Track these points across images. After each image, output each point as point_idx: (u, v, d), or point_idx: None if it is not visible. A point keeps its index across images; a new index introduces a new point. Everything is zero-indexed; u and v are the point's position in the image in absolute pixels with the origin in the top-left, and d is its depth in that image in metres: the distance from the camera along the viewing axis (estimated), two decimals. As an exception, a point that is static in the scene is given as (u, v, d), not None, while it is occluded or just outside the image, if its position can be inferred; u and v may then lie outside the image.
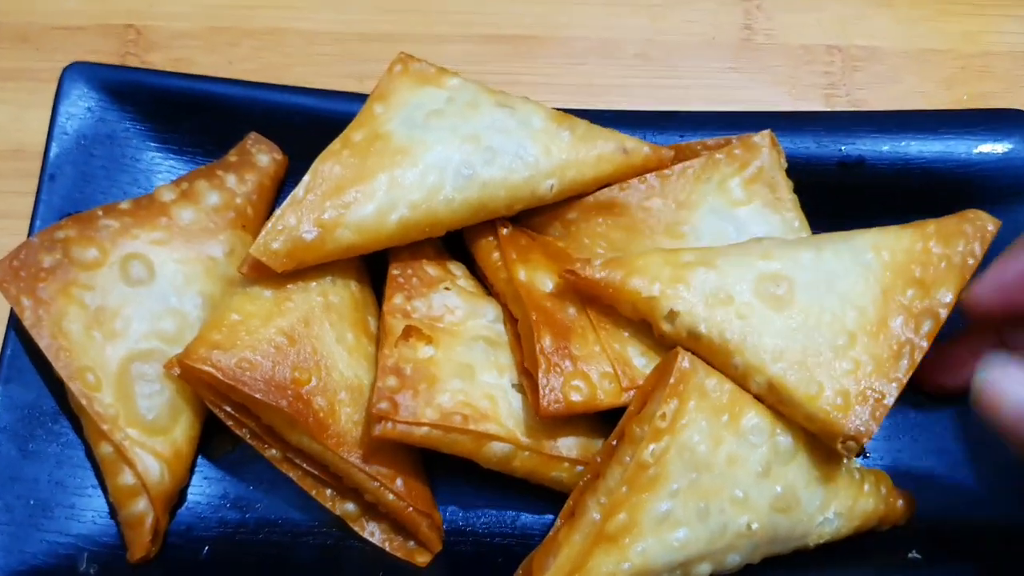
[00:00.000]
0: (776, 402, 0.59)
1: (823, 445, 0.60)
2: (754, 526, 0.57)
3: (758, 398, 0.59)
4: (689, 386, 0.56)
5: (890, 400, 0.58)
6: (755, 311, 0.59)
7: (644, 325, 0.63)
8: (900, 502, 0.63)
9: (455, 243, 0.71)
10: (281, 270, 0.62)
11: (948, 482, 0.66)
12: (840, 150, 0.71)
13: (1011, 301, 0.60)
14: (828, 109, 0.81)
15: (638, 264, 0.61)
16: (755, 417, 0.58)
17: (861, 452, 0.58)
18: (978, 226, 0.64)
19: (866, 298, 0.60)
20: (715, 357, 0.59)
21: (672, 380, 0.56)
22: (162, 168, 0.73)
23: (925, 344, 0.60)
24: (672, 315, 0.60)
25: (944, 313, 0.61)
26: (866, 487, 0.61)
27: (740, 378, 0.59)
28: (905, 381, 0.59)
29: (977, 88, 0.80)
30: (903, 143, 0.70)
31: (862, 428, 0.57)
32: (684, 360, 0.56)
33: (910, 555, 0.62)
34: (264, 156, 0.72)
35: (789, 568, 0.60)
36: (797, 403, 0.57)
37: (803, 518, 0.59)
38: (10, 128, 0.81)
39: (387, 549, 0.64)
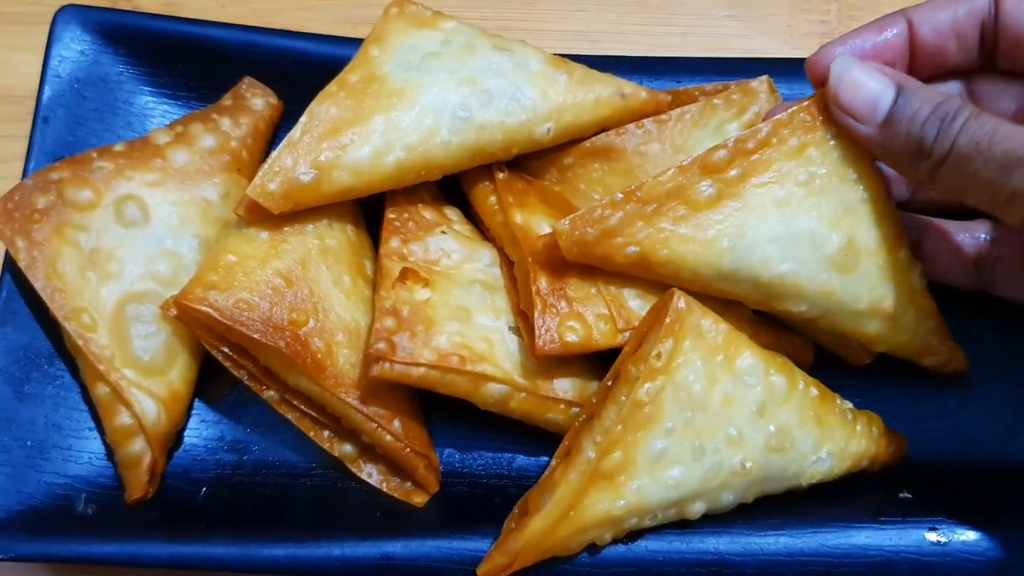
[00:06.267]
0: None
1: (818, 385, 0.61)
2: (748, 465, 0.58)
3: None
4: (685, 326, 0.56)
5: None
6: None
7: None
8: (891, 443, 0.63)
9: (452, 190, 0.70)
10: (278, 211, 0.62)
11: (937, 424, 0.67)
12: (837, 96, 0.71)
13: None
14: (825, 57, 0.80)
15: None
16: (750, 358, 0.58)
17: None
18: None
19: None
20: None
21: (668, 320, 0.56)
22: (156, 112, 0.73)
23: None
24: None
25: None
26: (859, 428, 0.62)
27: None
28: None
29: (973, 37, 0.79)
30: (899, 89, 0.70)
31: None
32: (680, 300, 0.56)
33: (900, 495, 0.63)
34: (259, 100, 0.71)
35: (782, 507, 0.61)
36: None
37: (796, 458, 0.59)
38: (-1, 72, 0.80)
39: (384, 490, 0.64)
